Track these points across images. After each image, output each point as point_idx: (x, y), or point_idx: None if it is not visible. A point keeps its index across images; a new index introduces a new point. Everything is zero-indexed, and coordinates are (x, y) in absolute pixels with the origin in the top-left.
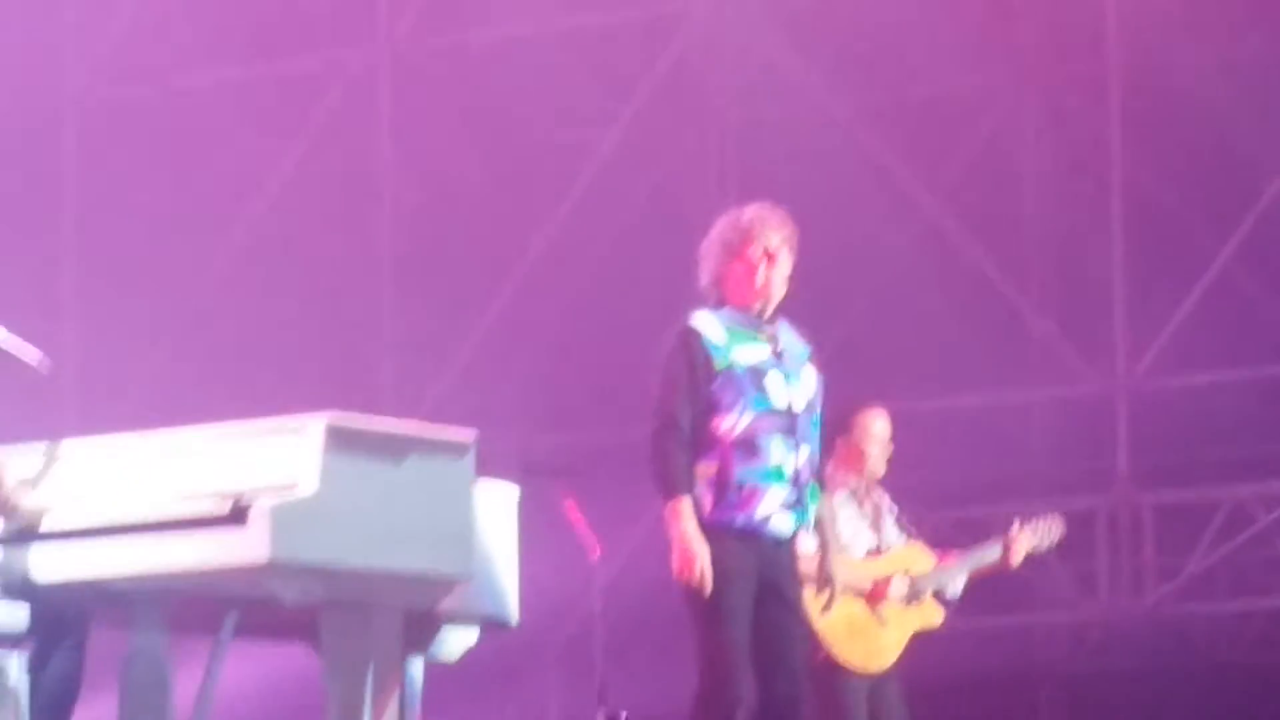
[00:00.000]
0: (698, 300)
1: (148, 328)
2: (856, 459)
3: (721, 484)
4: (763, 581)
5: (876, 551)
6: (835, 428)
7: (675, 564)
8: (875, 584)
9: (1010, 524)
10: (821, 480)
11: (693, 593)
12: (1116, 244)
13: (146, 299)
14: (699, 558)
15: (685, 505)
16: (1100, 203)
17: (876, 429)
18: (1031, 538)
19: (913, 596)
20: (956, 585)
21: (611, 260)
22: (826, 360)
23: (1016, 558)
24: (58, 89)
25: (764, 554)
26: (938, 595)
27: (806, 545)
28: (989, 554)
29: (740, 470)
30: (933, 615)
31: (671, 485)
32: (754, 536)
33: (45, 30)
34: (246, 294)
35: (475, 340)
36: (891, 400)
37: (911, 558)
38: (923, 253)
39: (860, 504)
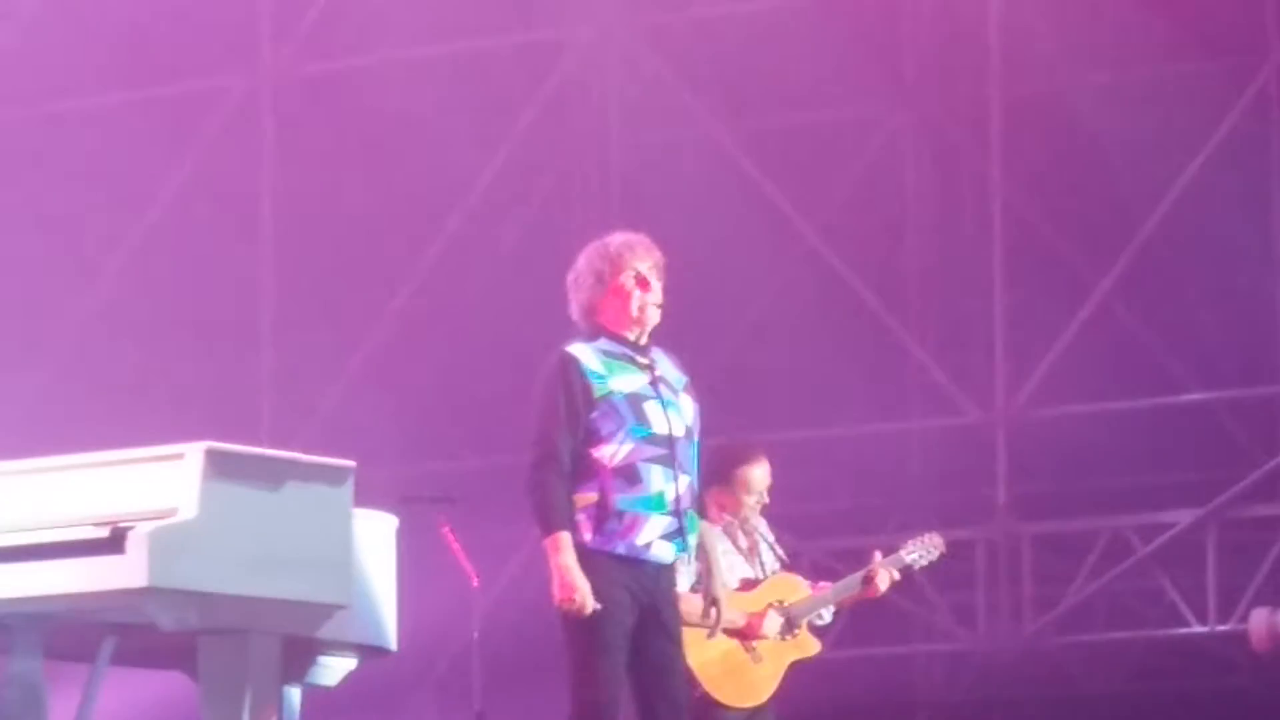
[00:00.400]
0: (576, 329)
1: (23, 355)
2: (731, 505)
3: (602, 512)
4: (642, 610)
5: (753, 583)
6: (713, 475)
7: (556, 595)
8: (749, 621)
9: (871, 555)
10: (701, 508)
11: (571, 623)
12: (996, 275)
13: (21, 325)
14: (580, 590)
15: (565, 539)
16: (981, 234)
17: (755, 478)
18: (894, 568)
19: (788, 628)
20: (826, 614)
21: (492, 287)
22: (706, 388)
23: (880, 587)
24: None
25: (644, 582)
26: (811, 624)
27: (683, 584)
28: (852, 583)
29: (620, 498)
30: (808, 646)
31: (550, 519)
32: (635, 564)
33: None
34: (125, 323)
35: (353, 370)
36: (770, 430)
37: (786, 588)
38: (803, 281)
39: (734, 538)
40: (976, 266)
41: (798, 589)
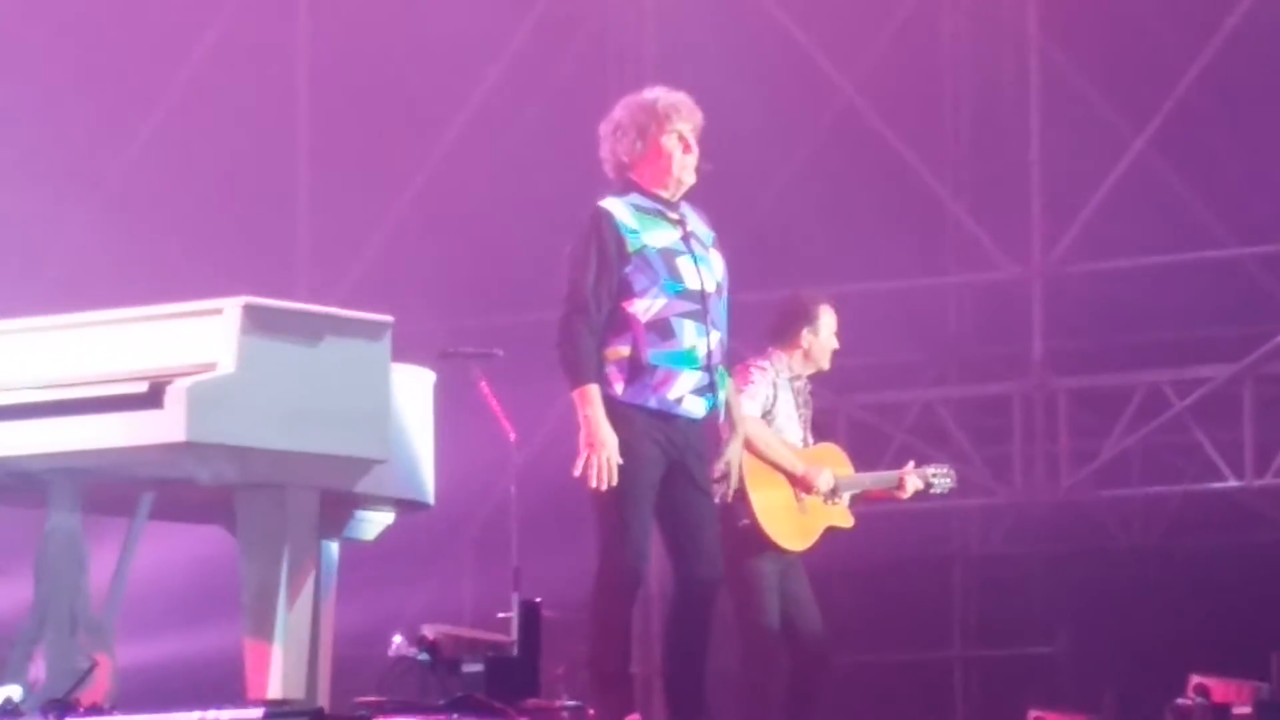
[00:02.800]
0: (609, 185)
1: (64, 209)
2: (814, 349)
3: (635, 366)
4: (671, 464)
5: (802, 447)
6: (798, 317)
7: (582, 448)
8: (807, 471)
9: (907, 460)
10: (729, 366)
11: (599, 476)
12: (1033, 130)
13: (60, 180)
14: (605, 445)
15: (593, 391)
16: (1018, 89)
17: (832, 322)
18: (921, 480)
19: (831, 495)
20: (846, 495)
21: (528, 144)
22: (744, 242)
23: (907, 492)
24: None
25: (674, 436)
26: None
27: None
28: (889, 479)
29: (653, 353)
30: (844, 518)
31: (579, 371)
32: (667, 418)
33: None
34: (163, 176)
35: (390, 226)
36: (808, 284)
37: (835, 459)
38: (842, 137)
39: (796, 394)
40: (1014, 122)
41: (845, 463)
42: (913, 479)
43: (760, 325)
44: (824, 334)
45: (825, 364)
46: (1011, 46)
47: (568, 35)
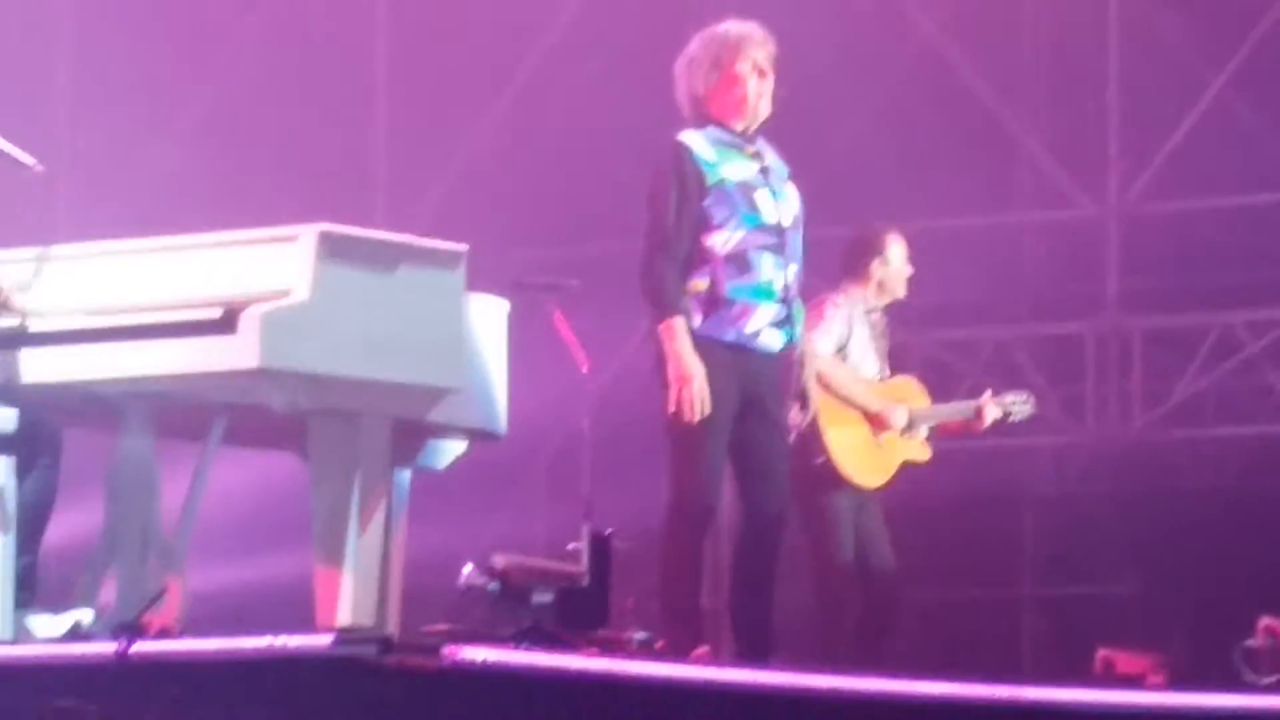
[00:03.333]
0: (686, 121)
1: (142, 134)
2: (887, 280)
3: (713, 299)
4: (746, 397)
5: (878, 380)
6: (868, 249)
7: (671, 382)
8: (882, 408)
9: (984, 391)
10: (804, 300)
11: (677, 408)
12: (1112, 70)
13: (141, 105)
14: (695, 378)
15: (680, 324)
16: (1097, 29)
17: (904, 251)
18: (1000, 409)
19: (908, 429)
20: (923, 430)
21: (605, 78)
22: (819, 179)
23: (985, 422)
24: None
25: (750, 370)
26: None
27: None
28: (964, 410)
29: (731, 285)
30: (921, 451)
31: (665, 304)
32: (744, 351)
33: None
34: (242, 104)
35: (467, 157)
36: (883, 219)
37: (910, 391)
38: (919, 74)
39: (873, 327)
40: (1092, 61)
41: (920, 395)
42: (991, 408)
43: (833, 261)
44: (895, 263)
45: (901, 292)
46: None
47: None
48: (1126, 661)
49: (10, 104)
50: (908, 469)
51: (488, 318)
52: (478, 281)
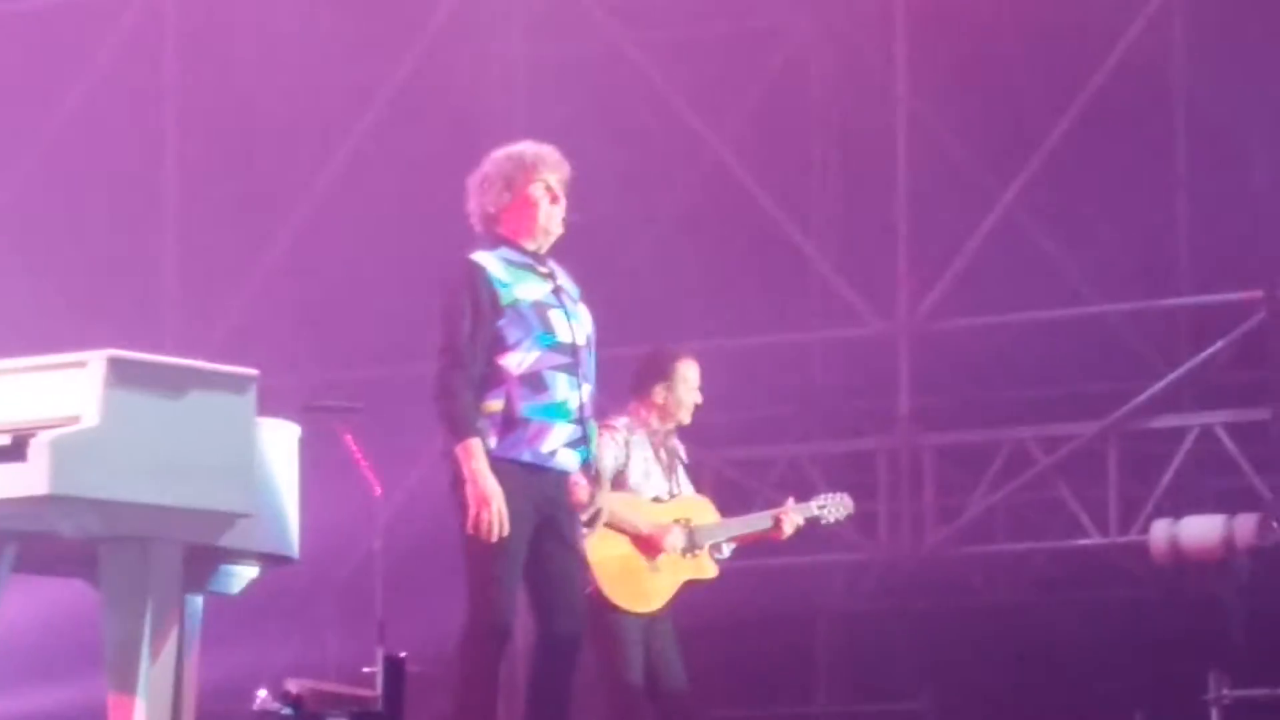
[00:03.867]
0: (477, 241)
1: None
2: (674, 405)
3: (508, 419)
4: (542, 518)
5: (667, 498)
6: (654, 372)
7: (470, 503)
8: (653, 532)
9: (784, 509)
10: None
11: (475, 528)
12: (900, 186)
13: None
14: (494, 498)
15: (477, 445)
16: (885, 147)
17: (693, 376)
18: (803, 515)
19: (690, 548)
20: (726, 549)
21: (393, 198)
22: (610, 298)
23: (786, 530)
24: None
25: (546, 490)
26: (713, 550)
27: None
28: (761, 521)
29: (527, 405)
30: (707, 568)
31: (461, 425)
32: (540, 471)
33: None
34: (31, 225)
35: (257, 280)
36: (675, 339)
37: (696, 509)
38: (709, 192)
39: (656, 449)
40: (881, 179)
41: (707, 512)
42: (792, 516)
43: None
44: (680, 389)
45: (684, 418)
46: (878, 104)
47: (439, 91)
48: None
49: None
50: (699, 587)
51: (278, 442)
52: (268, 405)
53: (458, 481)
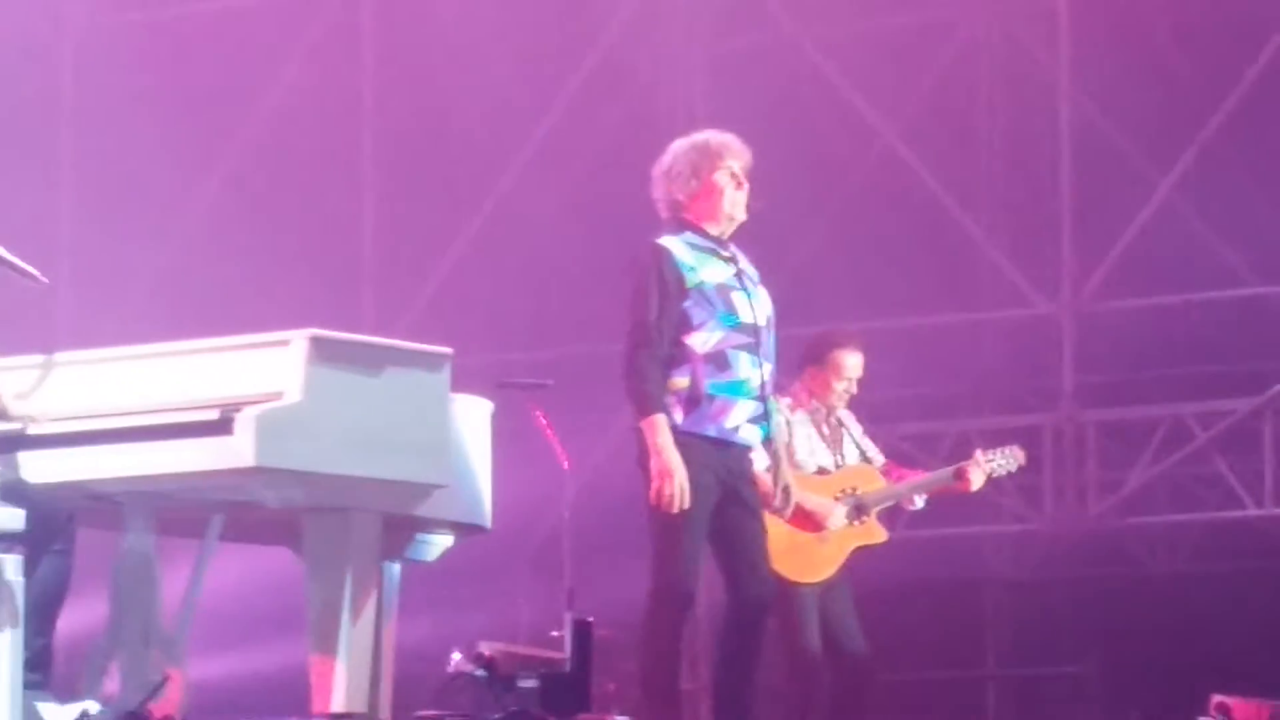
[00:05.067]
0: (662, 226)
1: (139, 243)
2: (821, 388)
3: (693, 396)
4: (726, 489)
5: (833, 470)
6: (809, 357)
7: (654, 476)
8: (815, 509)
9: (972, 451)
10: (790, 393)
11: (656, 500)
12: (1064, 174)
13: (139, 219)
14: (676, 473)
15: (662, 421)
16: (1050, 136)
17: (848, 365)
18: (988, 466)
19: (856, 514)
20: (917, 501)
21: (583, 185)
22: (788, 280)
23: (973, 484)
24: (58, 14)
25: (730, 463)
26: (906, 502)
27: (757, 464)
28: (942, 477)
29: (711, 383)
30: (875, 533)
31: (648, 402)
32: (724, 446)
33: None
34: (235, 218)
35: (451, 263)
36: (850, 320)
37: (860, 477)
38: (882, 181)
39: (818, 426)
40: (1046, 166)
41: (872, 479)
42: (976, 471)
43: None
44: (830, 374)
45: (835, 403)
46: (1044, 97)
47: (622, 82)
48: (1243, 708)
49: (14, 218)
50: (875, 554)
51: (473, 417)
52: (462, 382)
53: (644, 455)
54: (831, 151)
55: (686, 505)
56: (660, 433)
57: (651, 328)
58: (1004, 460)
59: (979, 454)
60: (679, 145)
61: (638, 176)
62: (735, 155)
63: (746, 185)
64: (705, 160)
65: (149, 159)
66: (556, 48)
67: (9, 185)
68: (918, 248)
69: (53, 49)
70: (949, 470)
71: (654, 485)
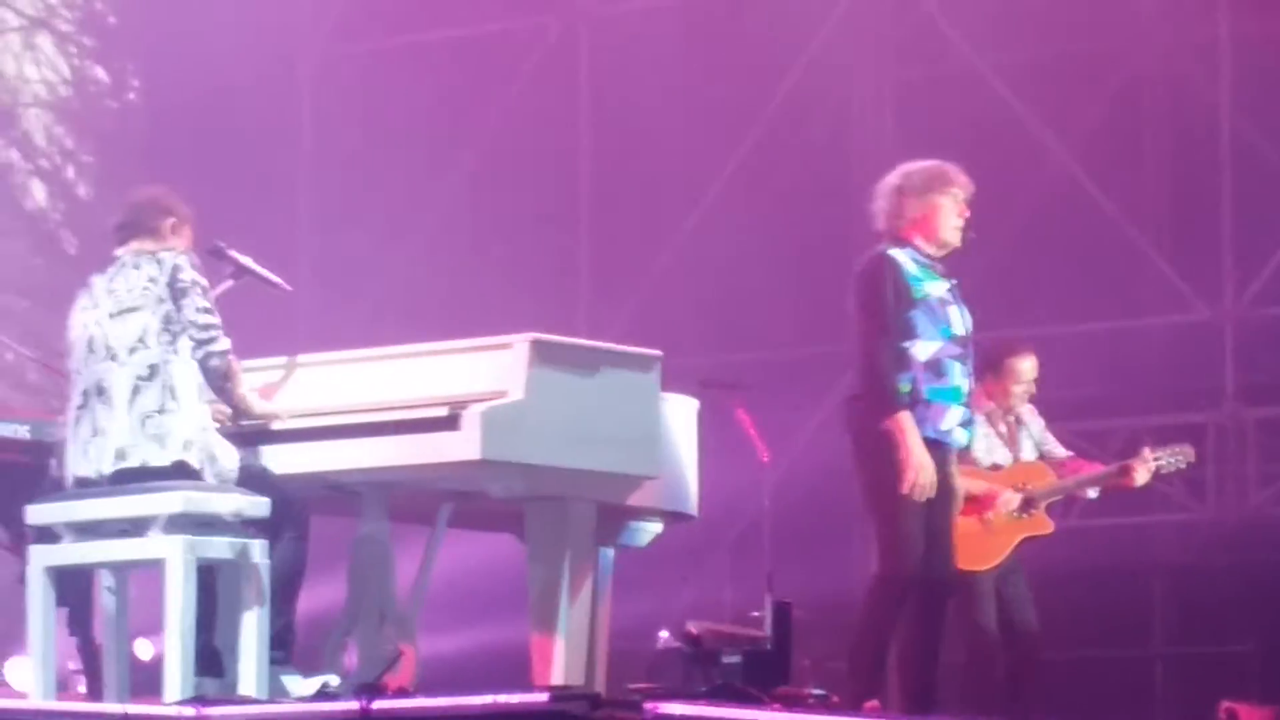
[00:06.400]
0: (858, 236)
1: (374, 258)
2: (1000, 393)
3: (914, 400)
4: (939, 486)
5: (1007, 465)
6: (986, 366)
7: (908, 469)
8: (987, 493)
9: (1139, 448)
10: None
11: (889, 490)
12: (1224, 189)
13: (372, 232)
14: (927, 468)
15: (909, 418)
16: (1210, 154)
17: (1023, 370)
18: (1155, 464)
19: (1025, 507)
20: (1090, 492)
21: (780, 201)
22: (974, 289)
23: (1137, 480)
24: (294, 47)
25: (941, 461)
26: (1079, 493)
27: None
28: (1108, 474)
29: (929, 389)
30: (1043, 525)
31: (893, 401)
32: (939, 446)
33: None
34: (462, 231)
35: (659, 272)
36: (1029, 326)
37: (1030, 473)
38: (1057, 197)
39: (995, 425)
40: (1208, 183)
41: (1043, 475)
42: (1141, 470)
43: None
44: (1007, 380)
45: (1014, 404)
46: (1206, 115)
47: (818, 105)
48: (1248, 713)
49: (258, 233)
50: (1043, 542)
51: (680, 414)
52: (671, 382)
53: (871, 450)
54: (1012, 171)
55: (932, 496)
56: (910, 431)
57: (886, 332)
58: (1172, 458)
59: (1146, 451)
60: (908, 168)
61: (829, 194)
62: (963, 185)
63: (967, 214)
64: (936, 182)
65: (381, 176)
66: (756, 72)
67: (254, 203)
68: (1091, 260)
69: (289, 72)
70: (1116, 467)
71: (908, 477)
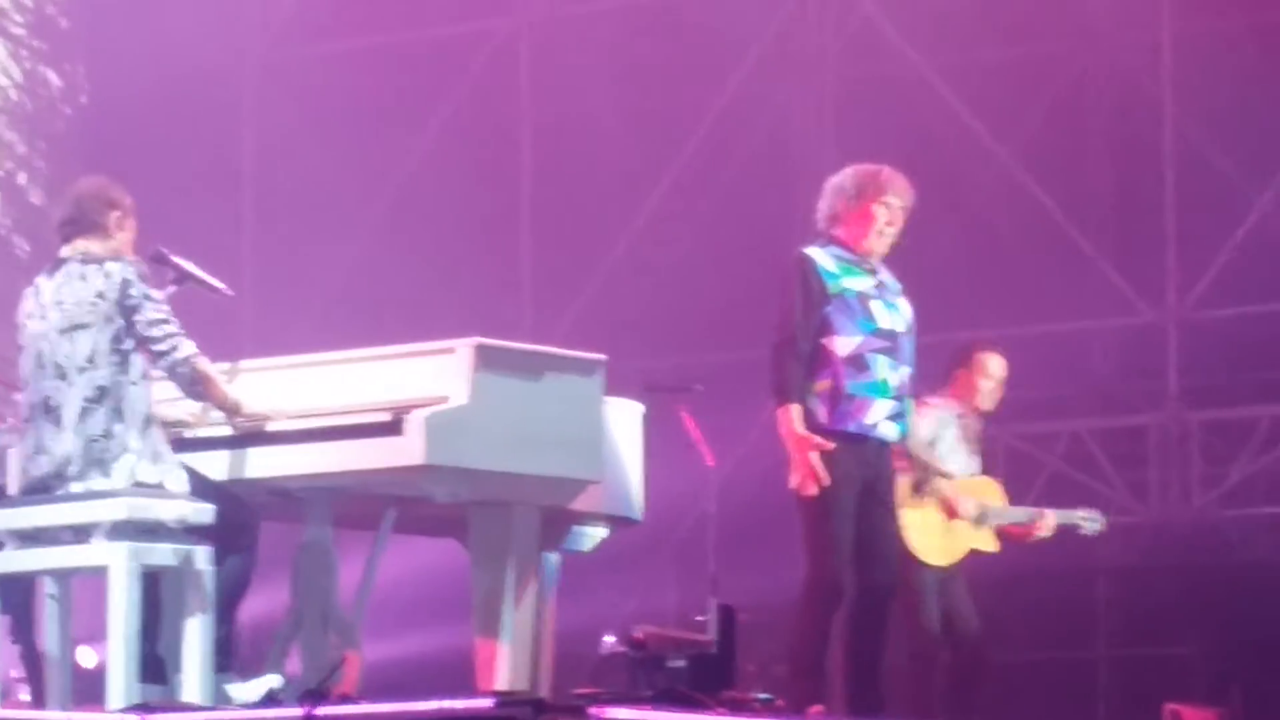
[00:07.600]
0: (800, 238)
1: (315, 262)
2: (969, 391)
3: (835, 396)
4: (865, 483)
5: (966, 476)
6: (956, 361)
7: (792, 460)
8: (952, 495)
9: (1045, 512)
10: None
11: (805, 492)
12: (1168, 191)
13: (314, 237)
14: (804, 444)
15: (795, 411)
16: (1153, 156)
17: (993, 367)
18: (1058, 521)
19: (978, 521)
20: (1043, 531)
21: (724, 203)
22: (916, 291)
23: (1043, 531)
24: (239, 51)
25: (869, 457)
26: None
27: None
28: (1028, 515)
29: (850, 383)
30: (990, 542)
31: (784, 393)
32: (864, 440)
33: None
34: (403, 235)
35: (602, 276)
36: (972, 328)
37: (988, 490)
38: (999, 200)
39: (963, 430)
40: (1150, 184)
41: (998, 495)
42: (1050, 519)
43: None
44: (977, 377)
45: (983, 404)
46: (1148, 116)
47: (760, 110)
48: (1193, 715)
49: (202, 236)
50: (977, 555)
51: (624, 418)
52: (615, 386)
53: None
54: (954, 173)
55: (824, 479)
56: (792, 421)
57: (795, 329)
58: (1089, 521)
59: (1048, 512)
60: (854, 168)
61: (772, 197)
62: (899, 194)
63: (899, 225)
64: (871, 187)
65: (323, 181)
66: (698, 77)
67: (196, 206)
68: (1034, 261)
69: (234, 76)
70: (1036, 511)
71: (792, 466)
